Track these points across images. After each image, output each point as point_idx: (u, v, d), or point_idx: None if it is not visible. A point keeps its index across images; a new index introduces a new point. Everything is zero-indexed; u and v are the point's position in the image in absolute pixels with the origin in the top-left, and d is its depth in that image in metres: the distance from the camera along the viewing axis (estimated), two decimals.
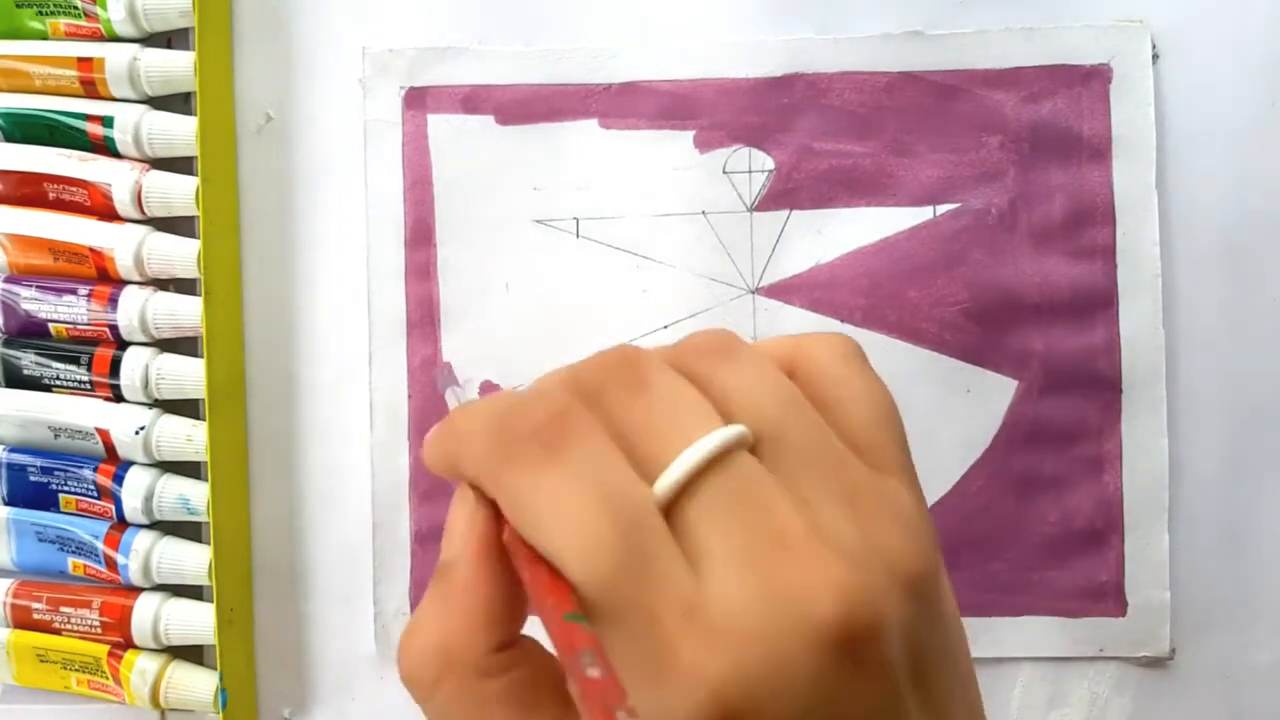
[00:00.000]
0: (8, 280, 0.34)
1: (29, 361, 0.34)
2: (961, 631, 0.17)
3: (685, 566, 0.15)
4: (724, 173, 0.33)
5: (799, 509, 0.16)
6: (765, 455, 0.17)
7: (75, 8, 0.33)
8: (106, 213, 0.33)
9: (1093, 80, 0.33)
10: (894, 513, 0.17)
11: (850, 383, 0.19)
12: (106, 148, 0.33)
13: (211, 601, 0.32)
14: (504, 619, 0.18)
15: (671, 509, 0.16)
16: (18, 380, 0.34)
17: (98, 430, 0.33)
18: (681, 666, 0.15)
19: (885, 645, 0.15)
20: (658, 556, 0.15)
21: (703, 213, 0.33)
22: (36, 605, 0.34)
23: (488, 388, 0.34)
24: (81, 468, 0.33)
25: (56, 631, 0.34)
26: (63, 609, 0.33)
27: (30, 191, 0.33)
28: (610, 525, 0.15)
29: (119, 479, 0.33)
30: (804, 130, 0.33)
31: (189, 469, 0.34)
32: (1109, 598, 0.32)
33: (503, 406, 0.18)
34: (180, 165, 0.34)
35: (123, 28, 0.33)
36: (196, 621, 0.33)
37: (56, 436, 0.34)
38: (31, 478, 0.33)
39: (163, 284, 0.34)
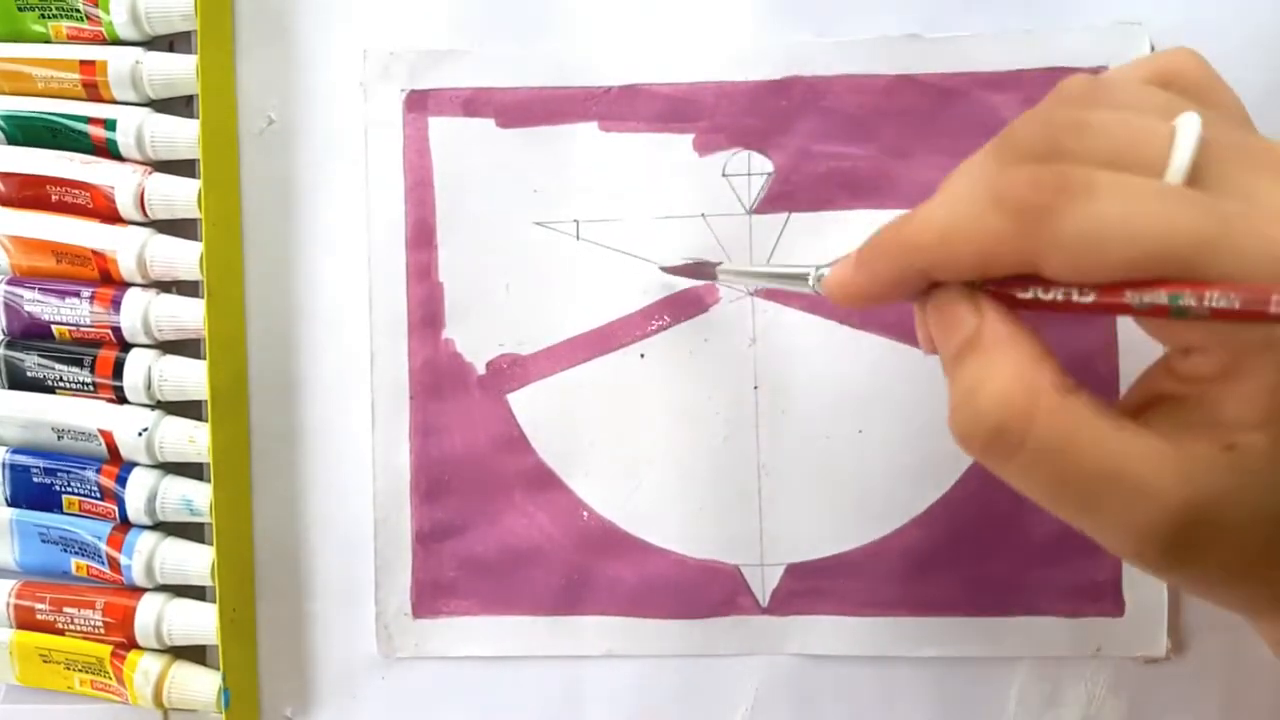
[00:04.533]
0: (11, 282, 0.34)
1: (32, 363, 0.34)
2: None
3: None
4: (723, 175, 0.33)
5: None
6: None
7: (77, 11, 0.33)
8: (109, 215, 0.33)
9: None
10: None
11: (1221, 86, 0.21)
12: (109, 150, 0.33)
13: (214, 602, 0.33)
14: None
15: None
16: (21, 382, 0.34)
17: (101, 432, 0.33)
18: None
19: None
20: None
21: (702, 215, 0.33)
22: (40, 606, 0.34)
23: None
24: (84, 469, 0.33)
25: (60, 632, 0.34)
26: (66, 609, 0.34)
27: (33, 194, 0.34)
28: (1186, 204, 0.17)
29: (122, 480, 0.33)
30: (803, 133, 0.33)
31: (192, 470, 0.34)
32: (1106, 598, 0.33)
33: (968, 194, 0.19)
34: (182, 168, 0.34)
35: (125, 31, 0.33)
36: (199, 622, 0.33)
37: (59, 438, 0.34)
38: (34, 479, 0.34)
39: (165, 286, 0.34)
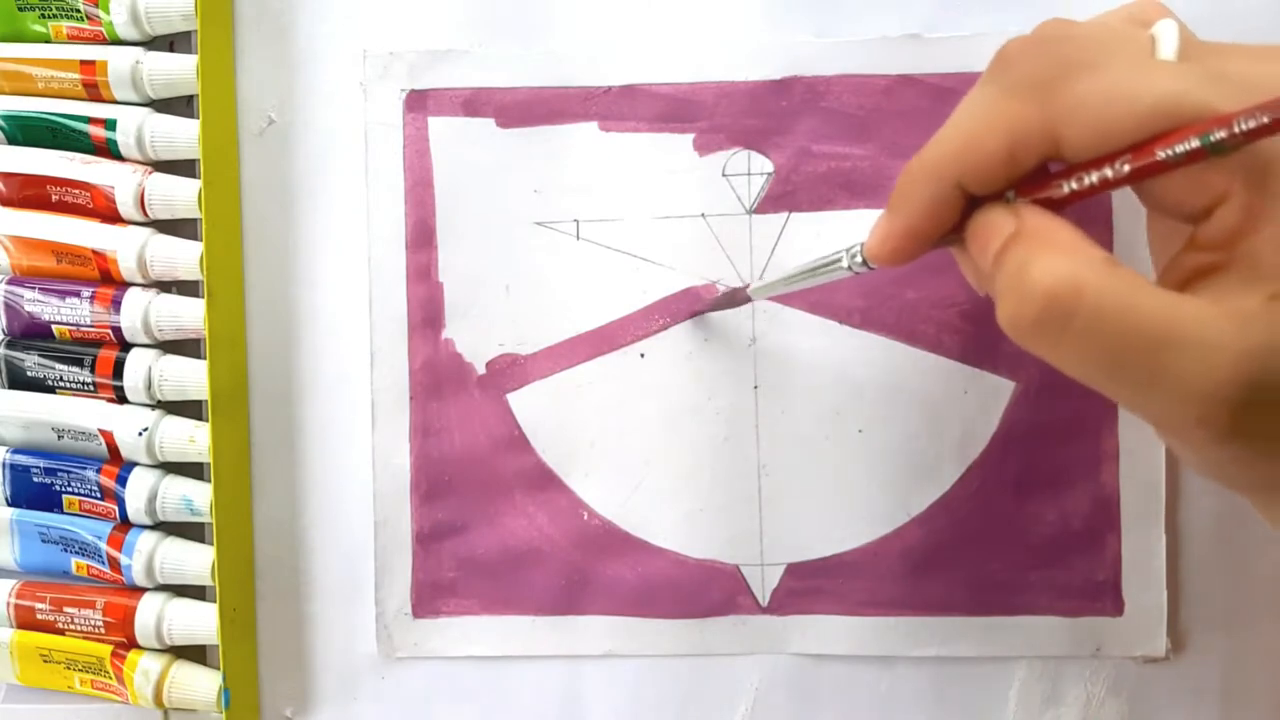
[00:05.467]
0: (11, 282, 0.34)
1: (32, 363, 0.34)
2: None
3: None
4: (723, 175, 0.33)
5: None
6: None
7: (78, 11, 0.33)
8: (109, 215, 0.33)
9: None
10: None
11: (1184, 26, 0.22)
12: (109, 150, 0.33)
13: (214, 602, 0.33)
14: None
15: None
16: (21, 382, 0.34)
17: (101, 432, 0.33)
18: None
19: None
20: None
21: (702, 215, 0.33)
22: (40, 606, 0.34)
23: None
24: (85, 469, 0.33)
25: (60, 632, 0.34)
26: (66, 609, 0.34)
27: (33, 194, 0.34)
28: (1183, 68, 0.20)
29: (122, 480, 0.33)
30: (803, 133, 0.33)
31: (192, 470, 0.34)
32: (1106, 597, 0.33)
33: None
34: (183, 168, 0.34)
35: (125, 31, 0.33)
36: (199, 621, 0.33)
37: (60, 438, 0.34)
38: (35, 479, 0.34)
39: (165, 286, 0.34)
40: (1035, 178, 0.22)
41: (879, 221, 0.24)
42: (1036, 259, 0.19)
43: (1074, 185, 0.20)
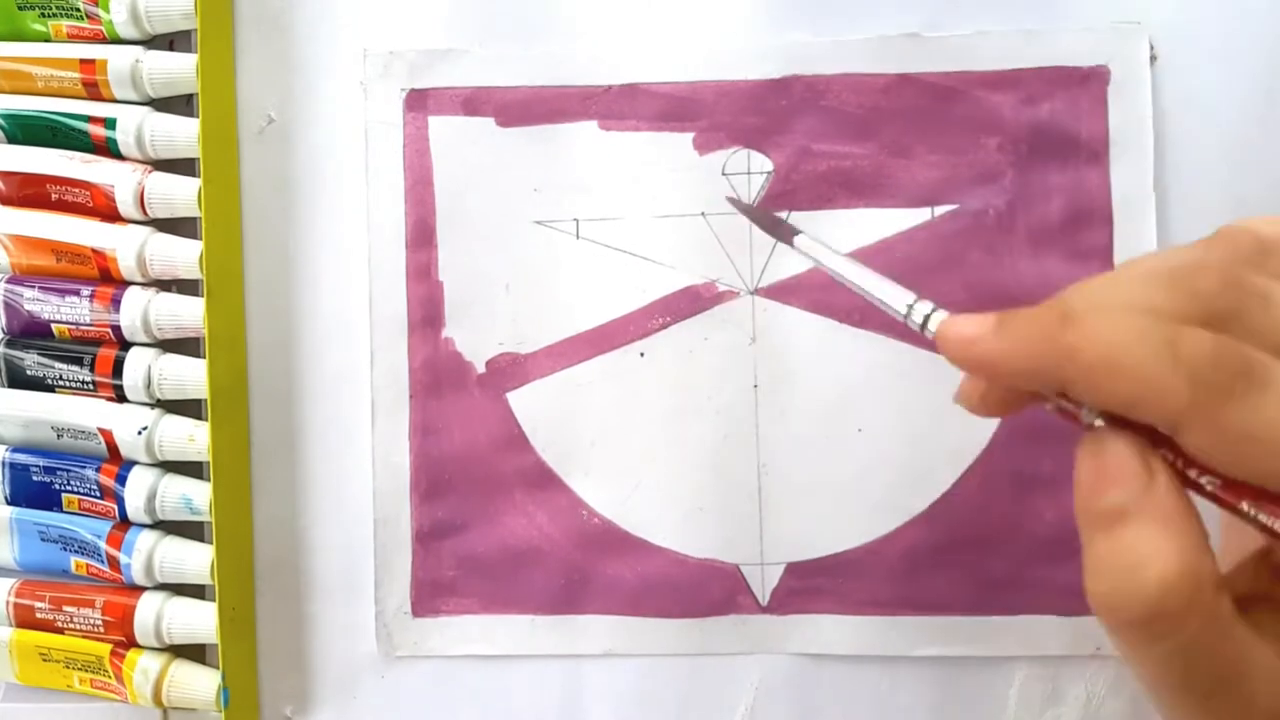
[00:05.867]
0: (10, 281, 0.34)
1: (32, 362, 0.34)
2: None
3: None
4: (723, 174, 0.33)
5: None
6: None
7: (77, 10, 0.33)
8: (109, 214, 0.33)
9: (1090, 82, 0.33)
10: None
11: None
12: (109, 149, 0.33)
13: (214, 601, 0.33)
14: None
15: None
16: (20, 381, 0.34)
17: (100, 430, 0.33)
18: None
19: None
20: None
21: (702, 214, 0.33)
22: (39, 605, 0.34)
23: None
24: (84, 468, 0.33)
25: (59, 630, 0.34)
26: (65, 608, 0.34)
27: (33, 193, 0.34)
28: None
29: (121, 479, 0.33)
30: (802, 132, 0.33)
31: (191, 469, 0.34)
32: None
33: (1156, 333, 0.18)
34: (182, 167, 0.34)
35: (125, 30, 0.33)
36: (199, 621, 0.33)
37: (59, 437, 0.34)
38: (34, 478, 0.34)
39: (165, 285, 0.34)
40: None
41: (977, 321, 0.20)
42: (1160, 561, 0.17)
43: (1220, 492, 0.18)
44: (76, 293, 0.33)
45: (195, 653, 0.34)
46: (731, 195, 0.32)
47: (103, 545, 0.33)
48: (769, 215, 0.31)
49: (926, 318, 0.22)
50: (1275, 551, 0.20)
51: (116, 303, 0.33)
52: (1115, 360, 0.18)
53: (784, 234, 0.28)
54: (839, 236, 0.33)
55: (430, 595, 0.34)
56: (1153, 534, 0.18)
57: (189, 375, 0.33)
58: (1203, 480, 0.18)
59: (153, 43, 0.34)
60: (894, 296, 0.23)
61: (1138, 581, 0.17)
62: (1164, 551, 0.17)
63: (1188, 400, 0.17)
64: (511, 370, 0.34)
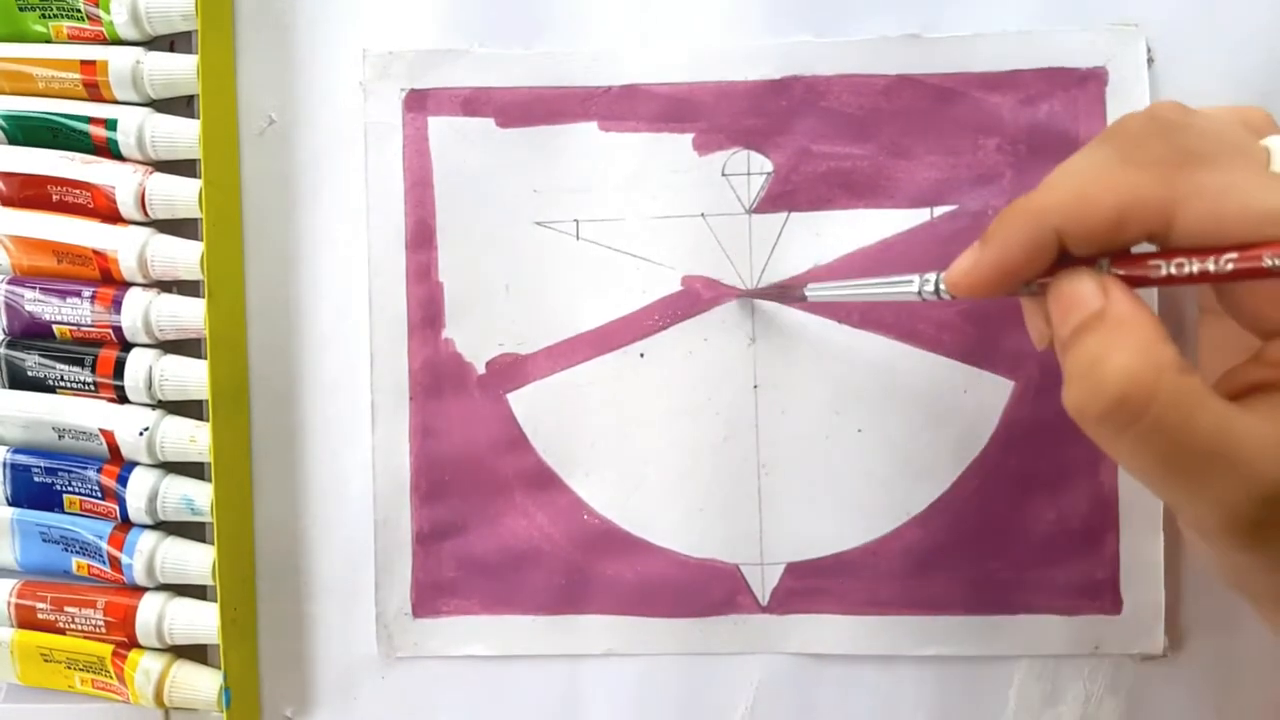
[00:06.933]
0: (11, 282, 0.34)
1: (33, 363, 0.34)
2: None
3: None
4: (723, 175, 0.33)
5: None
6: None
7: (78, 11, 0.33)
8: (110, 215, 0.33)
9: (1089, 83, 0.33)
10: None
11: None
12: (109, 150, 0.33)
13: (215, 601, 0.33)
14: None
15: None
16: (22, 381, 0.34)
17: (102, 431, 0.33)
18: None
19: None
20: None
21: (702, 215, 0.33)
22: (41, 605, 0.34)
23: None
24: (85, 469, 0.33)
25: (61, 631, 0.34)
26: (67, 609, 0.34)
27: (34, 194, 0.34)
28: None
29: (123, 480, 0.33)
30: (802, 133, 0.33)
31: (193, 470, 0.34)
32: (1104, 596, 0.33)
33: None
34: (183, 168, 0.34)
35: (125, 31, 0.33)
36: (200, 621, 0.33)
37: (60, 438, 0.34)
38: (35, 479, 0.34)
39: (166, 286, 0.34)
40: (1127, 254, 0.21)
41: (967, 253, 0.24)
42: (1115, 353, 0.20)
43: (1172, 270, 0.20)
44: (78, 294, 0.33)
45: (197, 653, 0.34)
46: (743, 288, 0.33)
47: (104, 546, 0.33)
48: (774, 288, 0.33)
49: (936, 284, 0.25)
50: (1263, 350, 0.21)
51: (118, 304, 0.33)
52: (1082, 187, 0.21)
53: (793, 297, 0.32)
54: (839, 237, 0.33)
55: (431, 596, 0.34)
56: (1109, 336, 0.20)
57: (190, 376, 0.33)
58: (1222, 261, 0.20)
59: (153, 44, 0.34)
60: (903, 287, 0.26)
61: (1099, 375, 0.20)
62: (1120, 346, 0.20)
63: (1153, 181, 0.20)
64: (511, 371, 0.34)
